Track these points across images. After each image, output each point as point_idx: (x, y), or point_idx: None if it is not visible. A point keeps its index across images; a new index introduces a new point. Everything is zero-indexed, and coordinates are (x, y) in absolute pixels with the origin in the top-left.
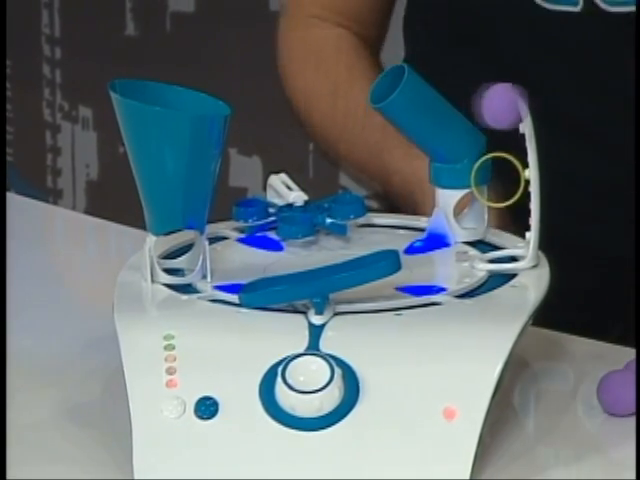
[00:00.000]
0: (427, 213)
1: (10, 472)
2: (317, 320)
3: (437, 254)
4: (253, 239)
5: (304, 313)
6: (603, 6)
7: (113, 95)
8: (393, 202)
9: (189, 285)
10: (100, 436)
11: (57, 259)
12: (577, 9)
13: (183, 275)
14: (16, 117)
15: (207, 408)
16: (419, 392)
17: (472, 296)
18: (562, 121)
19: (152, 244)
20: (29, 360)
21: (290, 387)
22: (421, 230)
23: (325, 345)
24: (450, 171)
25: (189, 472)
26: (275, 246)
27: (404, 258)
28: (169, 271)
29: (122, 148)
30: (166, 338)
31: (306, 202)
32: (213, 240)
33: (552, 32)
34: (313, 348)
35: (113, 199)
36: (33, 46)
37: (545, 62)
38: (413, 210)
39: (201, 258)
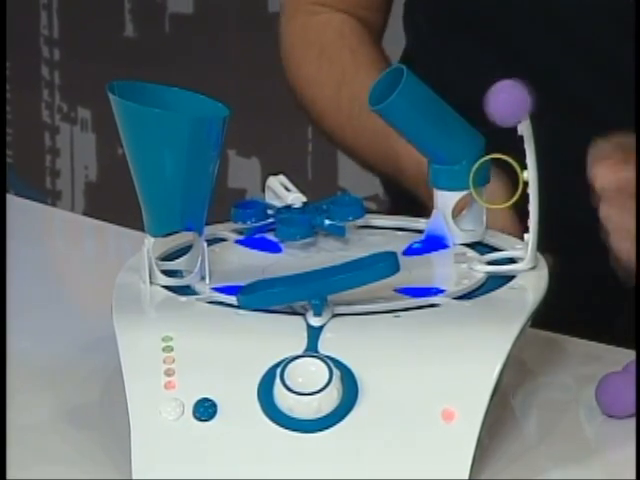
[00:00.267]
0: None
1: (9, 473)
2: (315, 322)
3: (436, 256)
4: (251, 241)
5: (302, 315)
6: None
7: (112, 97)
8: (403, 186)
9: (187, 287)
10: (99, 437)
11: (56, 260)
12: None
13: (181, 277)
14: (15, 118)
15: (205, 410)
16: (418, 394)
17: (471, 298)
18: (571, 105)
19: (151, 246)
20: (28, 361)
21: (288, 389)
22: (420, 232)
23: (323, 347)
24: (449, 172)
25: (188, 473)
26: (273, 248)
27: (402, 260)
28: (167, 273)
29: (121, 150)
30: (164, 340)
31: (304, 203)
32: (211, 242)
33: (555, 14)
34: (311, 350)
35: (112, 200)
36: (32, 47)
37: (548, 47)
38: (425, 193)
39: (199, 260)
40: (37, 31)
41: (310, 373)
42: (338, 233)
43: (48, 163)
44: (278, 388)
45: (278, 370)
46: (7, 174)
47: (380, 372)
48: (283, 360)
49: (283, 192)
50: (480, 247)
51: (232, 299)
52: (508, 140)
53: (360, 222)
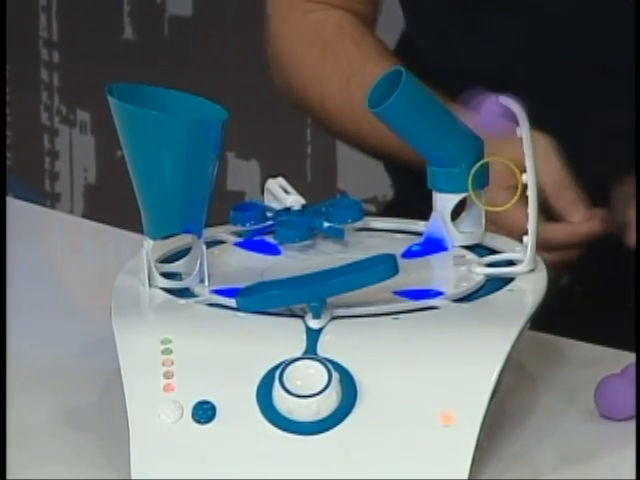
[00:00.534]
0: None
1: (9, 474)
2: (314, 324)
3: (435, 258)
4: (251, 243)
5: (301, 317)
6: None
7: (111, 99)
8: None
9: (186, 289)
10: (98, 439)
11: (55, 263)
12: None
13: (181, 279)
14: (14, 121)
15: (204, 412)
16: (417, 396)
17: (470, 300)
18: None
19: (150, 248)
20: (27, 363)
21: (287, 391)
22: (419, 234)
23: (322, 349)
24: (447, 175)
25: (186, 476)
26: (273, 250)
27: (401, 262)
28: (166, 275)
29: (120, 152)
30: (163, 342)
31: (304, 206)
32: (210, 244)
33: None
34: (310, 352)
35: (111, 203)
36: (31, 50)
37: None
38: None
39: (198, 262)
40: (36, 33)
41: (309, 375)
42: (337, 235)
43: (47, 165)
44: (277, 391)
45: (277, 372)
46: (6, 176)
47: (379, 374)
48: (282, 362)
49: (282, 195)
50: (479, 249)
51: (231, 301)
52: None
53: (359, 224)
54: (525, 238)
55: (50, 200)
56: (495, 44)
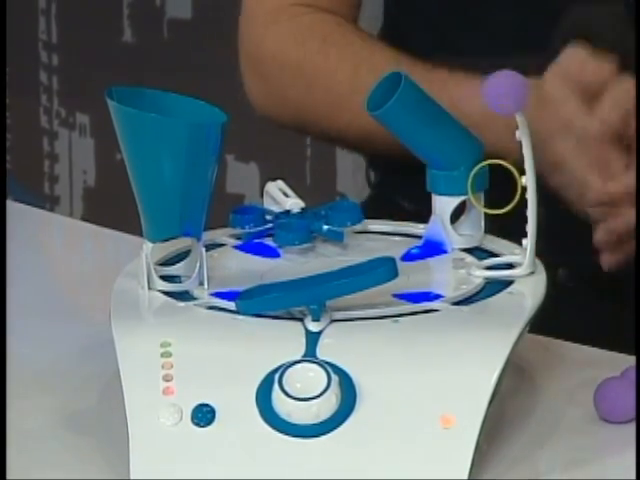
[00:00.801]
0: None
1: (9, 477)
2: (314, 327)
3: (434, 261)
4: (250, 246)
5: (301, 320)
6: None
7: (110, 102)
8: None
9: (186, 292)
10: (97, 443)
11: (54, 266)
12: None
13: (180, 282)
14: (13, 124)
15: (204, 415)
16: (416, 399)
17: (469, 303)
18: None
19: (149, 251)
20: (26, 366)
21: (287, 394)
22: (418, 237)
23: (322, 352)
24: (447, 178)
25: (186, 479)
26: (272, 253)
27: (401, 265)
28: (166, 278)
29: (119, 155)
30: (163, 345)
31: (303, 209)
32: (210, 247)
33: None
34: (310, 355)
35: (110, 206)
36: (30, 53)
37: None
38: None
39: (198, 265)
40: (35, 36)
41: (308, 378)
42: (336, 238)
43: (46, 168)
44: (276, 393)
45: (276, 375)
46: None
47: (378, 377)
48: (281, 365)
49: (282, 197)
50: (478, 252)
51: (230, 304)
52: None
53: (358, 227)
54: (524, 241)
55: (49, 203)
56: (486, 32)
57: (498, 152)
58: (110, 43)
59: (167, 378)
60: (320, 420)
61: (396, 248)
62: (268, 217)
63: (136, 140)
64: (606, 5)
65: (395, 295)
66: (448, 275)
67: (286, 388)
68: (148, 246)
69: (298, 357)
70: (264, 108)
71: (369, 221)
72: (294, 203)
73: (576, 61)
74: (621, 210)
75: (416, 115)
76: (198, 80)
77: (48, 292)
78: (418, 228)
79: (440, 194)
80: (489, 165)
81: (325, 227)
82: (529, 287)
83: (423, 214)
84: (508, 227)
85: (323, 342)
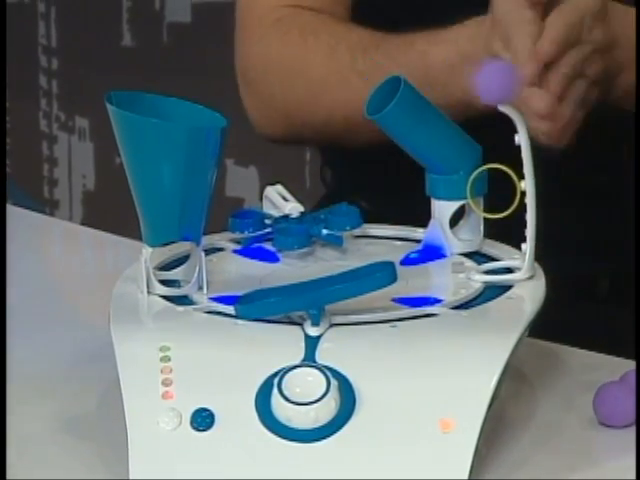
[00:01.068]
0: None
1: None
2: (313, 331)
3: (433, 265)
4: (249, 250)
5: (300, 324)
6: None
7: (109, 107)
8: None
9: (185, 296)
10: (97, 447)
11: (53, 270)
12: None
13: (179, 286)
14: (13, 128)
15: (203, 420)
16: (415, 403)
17: (468, 307)
18: None
19: (148, 255)
20: (25, 371)
21: (286, 399)
22: (417, 241)
23: (321, 356)
24: (446, 182)
25: None
26: (271, 257)
27: (400, 269)
28: (165, 282)
29: (119, 159)
30: (162, 350)
31: (302, 213)
32: (209, 251)
33: None
34: (309, 359)
35: (109, 210)
36: (30, 57)
37: None
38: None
39: (197, 269)
40: (35, 40)
41: (307, 383)
42: (336, 243)
43: (46, 172)
44: (276, 398)
45: (276, 380)
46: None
47: (377, 382)
48: (281, 370)
49: (281, 202)
50: (477, 257)
51: (230, 309)
52: (505, 150)
53: (358, 232)
54: (524, 245)
55: (49, 207)
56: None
57: (462, 102)
58: (110, 47)
59: (166, 382)
60: (319, 424)
61: (395, 252)
62: (267, 221)
63: (135, 144)
64: None
65: (394, 299)
66: (447, 279)
67: (285, 392)
68: (147, 250)
69: (297, 361)
70: (258, 122)
71: (368, 225)
72: (293, 207)
73: None
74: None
75: (415, 119)
76: (198, 84)
77: (47, 296)
78: (417, 232)
79: (439, 198)
80: (488, 169)
81: (324, 231)
82: (528, 292)
83: (382, 215)
84: (507, 231)
85: (322, 346)
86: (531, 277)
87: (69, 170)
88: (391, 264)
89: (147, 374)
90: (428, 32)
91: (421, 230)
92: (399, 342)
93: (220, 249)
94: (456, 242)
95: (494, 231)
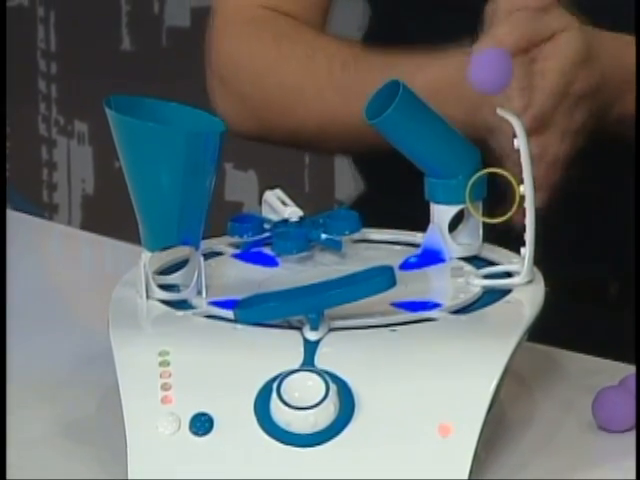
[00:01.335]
0: None
1: None
2: (312, 336)
3: (432, 270)
4: (248, 255)
5: (299, 329)
6: None
7: (108, 111)
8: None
9: (184, 301)
10: (96, 451)
11: (52, 275)
12: None
13: (178, 291)
14: (12, 132)
15: (202, 424)
16: (414, 408)
17: (467, 312)
18: None
19: (147, 260)
20: (24, 375)
21: (285, 403)
22: (416, 246)
23: (320, 361)
24: (445, 187)
25: None
26: (270, 262)
27: (399, 274)
28: (164, 287)
29: (118, 163)
30: (161, 354)
31: (301, 217)
32: (208, 256)
33: None
34: (308, 364)
35: (109, 214)
36: (29, 61)
37: None
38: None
39: (196, 274)
40: (34, 45)
41: (307, 387)
42: (335, 247)
43: (45, 176)
44: (275, 402)
45: (275, 384)
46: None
47: (376, 386)
48: (280, 374)
49: (280, 206)
50: (476, 261)
51: (229, 313)
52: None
53: (357, 236)
54: (522, 250)
55: (48, 211)
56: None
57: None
58: (109, 51)
59: (165, 387)
60: (318, 429)
61: (394, 257)
62: (266, 226)
63: (134, 149)
64: None
65: (393, 304)
66: (446, 284)
67: (284, 397)
68: (146, 255)
69: (296, 366)
70: (230, 119)
71: (367, 230)
72: (292, 212)
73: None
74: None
75: (414, 123)
76: (197, 89)
77: (47, 301)
78: (416, 237)
79: (438, 203)
80: (487, 174)
81: (323, 236)
82: (527, 296)
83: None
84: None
85: (321, 351)
86: (530, 281)
87: (68, 174)
88: (390, 268)
89: (146, 378)
90: (413, 55)
91: (420, 234)
92: (398, 346)
93: (219, 253)
94: (455, 246)
95: (493, 235)
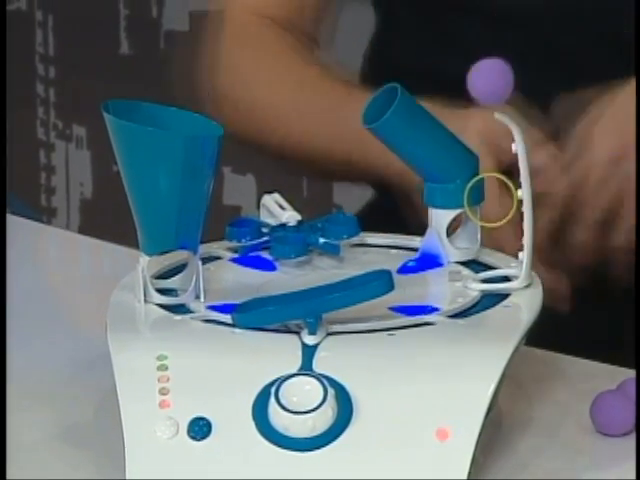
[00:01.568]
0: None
1: None
2: (310, 340)
3: (430, 274)
4: (246, 259)
5: (297, 333)
6: None
7: (106, 116)
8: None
9: (182, 305)
10: (94, 456)
11: (50, 279)
12: None
13: (176, 295)
14: (10, 136)
15: (200, 429)
16: (412, 412)
17: (465, 316)
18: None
19: (145, 264)
20: (22, 379)
21: (283, 407)
22: (414, 250)
23: (318, 365)
24: (443, 191)
25: None
26: (268, 266)
27: (397, 278)
28: (162, 291)
29: (116, 167)
30: (159, 358)
31: (299, 222)
32: (206, 260)
33: None
34: (306, 368)
35: (107, 218)
36: (27, 65)
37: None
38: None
39: (194, 278)
40: (32, 49)
41: (305, 392)
42: (333, 251)
43: (43, 180)
44: (273, 407)
45: (273, 389)
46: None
47: (375, 391)
48: (278, 379)
49: (278, 210)
50: (475, 265)
51: (227, 317)
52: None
53: (355, 240)
54: (520, 254)
55: (46, 215)
56: (464, 45)
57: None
58: (107, 55)
59: (163, 391)
60: (316, 433)
61: (392, 261)
62: (264, 230)
63: (132, 153)
64: None
65: (391, 308)
66: (444, 288)
67: (282, 401)
68: (144, 259)
69: (294, 370)
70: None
71: (365, 234)
72: (290, 216)
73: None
74: None
75: (412, 128)
76: (195, 93)
77: (44, 305)
78: (414, 241)
79: (436, 207)
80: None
81: (321, 240)
82: (525, 300)
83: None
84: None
85: (319, 355)
86: (528, 286)
87: (66, 178)
88: (388, 273)
89: (144, 383)
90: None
91: (418, 238)
92: (396, 351)
93: (217, 258)
94: (453, 250)
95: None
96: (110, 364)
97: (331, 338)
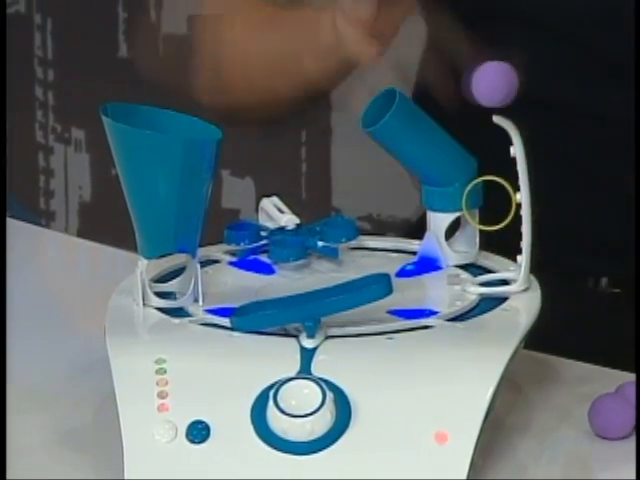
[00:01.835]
0: None
1: None
2: (309, 344)
3: (429, 277)
4: (245, 262)
5: (296, 337)
6: None
7: (105, 119)
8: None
9: (181, 309)
10: (92, 460)
11: (49, 283)
12: None
13: (175, 299)
14: (9, 139)
15: (199, 432)
16: (411, 416)
17: (464, 319)
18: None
19: (144, 267)
20: (21, 383)
21: (282, 411)
22: (413, 253)
23: (317, 369)
24: (441, 194)
25: None
26: (267, 269)
27: (396, 281)
28: (161, 295)
29: (115, 170)
30: (158, 362)
31: (298, 225)
32: (205, 263)
33: None
34: (305, 372)
35: (105, 221)
36: (25, 68)
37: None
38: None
39: (193, 281)
40: (31, 52)
41: (303, 395)
42: (331, 255)
43: (42, 183)
44: (271, 410)
45: (271, 392)
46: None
47: (373, 394)
48: (276, 382)
49: (276, 214)
50: (473, 269)
51: (225, 321)
52: (501, 161)
53: (353, 244)
54: (519, 257)
55: (45, 218)
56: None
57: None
58: (106, 58)
59: (162, 395)
60: (315, 437)
61: (391, 264)
62: (263, 233)
63: (131, 157)
64: None
65: (390, 312)
66: (443, 291)
67: (281, 405)
68: (143, 263)
69: (293, 374)
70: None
71: (364, 237)
72: (289, 219)
73: None
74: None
75: (411, 131)
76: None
77: (43, 309)
78: (413, 244)
79: (435, 210)
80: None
81: (320, 243)
82: (524, 303)
83: None
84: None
85: (318, 359)
86: (526, 289)
87: (65, 181)
88: (387, 276)
89: (143, 386)
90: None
91: (417, 242)
92: (395, 354)
93: (216, 261)
94: (452, 254)
95: (493, 243)
96: (109, 367)
97: (330, 341)
